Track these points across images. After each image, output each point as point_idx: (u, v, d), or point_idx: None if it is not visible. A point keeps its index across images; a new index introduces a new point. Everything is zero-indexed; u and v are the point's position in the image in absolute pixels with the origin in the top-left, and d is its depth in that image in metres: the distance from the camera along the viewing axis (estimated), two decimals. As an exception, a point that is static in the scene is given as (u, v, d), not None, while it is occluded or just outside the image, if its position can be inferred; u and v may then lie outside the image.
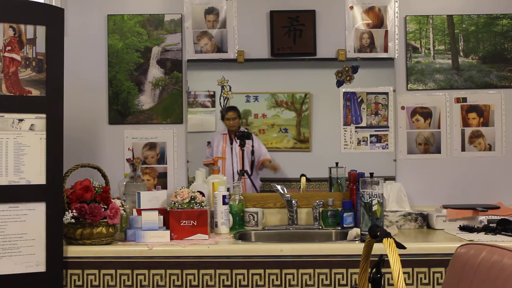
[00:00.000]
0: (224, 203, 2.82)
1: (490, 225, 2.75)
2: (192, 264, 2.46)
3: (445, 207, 2.94)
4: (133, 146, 3.15)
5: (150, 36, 3.16)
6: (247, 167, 3.20)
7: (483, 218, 2.83)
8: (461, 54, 3.17)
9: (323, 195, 3.08)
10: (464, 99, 3.16)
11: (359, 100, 3.18)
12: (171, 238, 2.59)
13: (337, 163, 3.17)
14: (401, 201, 3.02)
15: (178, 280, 2.47)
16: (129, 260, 2.47)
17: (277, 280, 2.46)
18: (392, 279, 1.25)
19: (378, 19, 3.17)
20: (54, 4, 3.01)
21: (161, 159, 3.15)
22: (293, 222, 2.98)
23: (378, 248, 1.43)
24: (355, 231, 2.71)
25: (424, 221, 2.93)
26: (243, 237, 2.82)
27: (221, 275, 2.46)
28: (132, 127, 3.16)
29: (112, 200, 2.62)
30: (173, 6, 3.19)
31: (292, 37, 3.15)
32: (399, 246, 1.28)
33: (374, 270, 1.41)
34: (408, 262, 2.42)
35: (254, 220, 2.96)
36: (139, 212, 2.67)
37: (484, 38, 3.17)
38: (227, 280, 2.46)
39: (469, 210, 2.89)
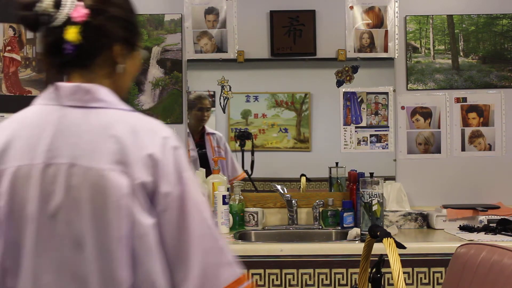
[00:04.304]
0: (224, 203, 2.81)
1: (490, 225, 2.75)
2: (192, 264, 2.46)
3: (445, 207, 2.94)
4: (133, 146, 3.14)
5: (150, 36, 3.16)
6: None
7: (483, 218, 2.83)
8: (461, 54, 3.17)
9: (323, 195, 3.08)
10: (464, 99, 3.16)
11: (359, 100, 3.18)
12: (171, 238, 2.58)
13: (337, 163, 3.17)
14: (401, 201, 3.01)
15: (178, 280, 2.46)
16: (129, 260, 2.47)
17: (277, 280, 2.46)
18: (392, 279, 1.25)
19: (378, 19, 3.17)
20: (54, 4, 3.01)
21: (161, 159, 3.15)
22: (293, 222, 2.98)
23: (378, 248, 1.43)
24: (355, 231, 2.71)
25: (424, 221, 2.93)
26: (243, 237, 2.82)
27: (221, 275, 2.46)
28: (132, 127, 3.15)
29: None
30: (173, 6, 3.18)
31: (292, 37, 3.15)
32: (399, 246, 1.28)
33: (374, 270, 1.41)
34: (408, 262, 2.42)
35: (254, 220, 2.96)
36: (139, 212, 2.66)
37: (484, 38, 3.17)
38: (227, 280, 2.46)
39: (469, 210, 2.89)
